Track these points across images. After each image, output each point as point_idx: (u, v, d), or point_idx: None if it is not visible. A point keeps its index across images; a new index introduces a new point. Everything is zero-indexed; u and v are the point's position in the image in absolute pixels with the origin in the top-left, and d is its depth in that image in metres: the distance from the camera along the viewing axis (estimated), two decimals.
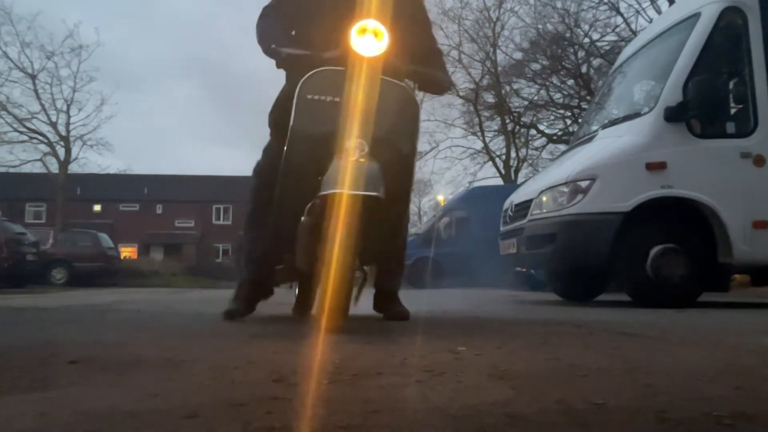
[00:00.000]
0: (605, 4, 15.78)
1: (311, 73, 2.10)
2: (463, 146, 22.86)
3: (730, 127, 4.29)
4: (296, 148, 2.10)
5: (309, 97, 2.06)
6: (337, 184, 1.88)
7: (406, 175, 2.21)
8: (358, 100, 1.99)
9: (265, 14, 2.54)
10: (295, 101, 2.08)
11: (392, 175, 2.03)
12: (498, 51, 20.56)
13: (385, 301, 2.81)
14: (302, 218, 2.05)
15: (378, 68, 2.04)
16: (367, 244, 2.05)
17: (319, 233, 1.93)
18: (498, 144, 22.21)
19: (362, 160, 1.94)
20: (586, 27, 16.67)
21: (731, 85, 4.44)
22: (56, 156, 24.29)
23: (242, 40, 71.14)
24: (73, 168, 25.09)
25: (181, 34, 73.23)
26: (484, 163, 22.52)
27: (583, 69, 17.10)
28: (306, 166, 2.10)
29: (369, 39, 1.98)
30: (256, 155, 2.76)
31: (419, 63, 2.44)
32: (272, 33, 2.42)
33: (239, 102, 72.11)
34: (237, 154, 71.46)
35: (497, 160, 21.94)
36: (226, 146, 64.35)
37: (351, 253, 1.88)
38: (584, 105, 16.28)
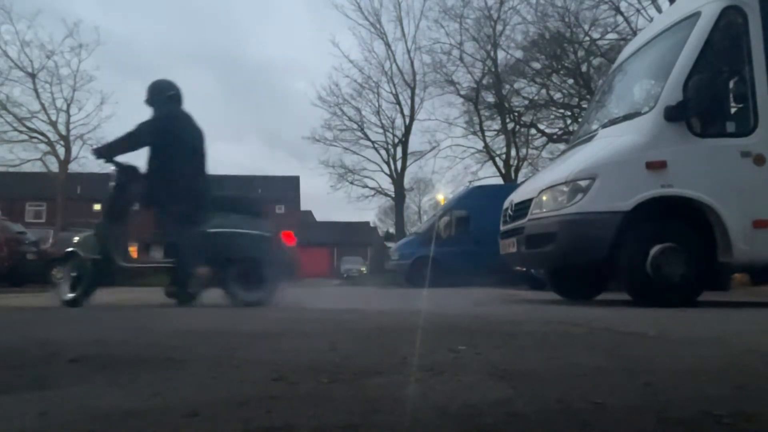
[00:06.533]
0: (606, 3, 15.74)
1: None
2: (463, 145, 22.91)
3: (730, 126, 4.28)
4: None
5: None
6: None
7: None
8: None
9: None
10: None
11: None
12: (499, 50, 20.57)
13: None
14: None
15: None
16: None
17: None
18: (498, 143, 22.24)
19: None
20: (587, 26, 16.65)
21: (731, 84, 4.43)
22: (56, 155, 24.24)
23: (251, 30, 71.14)
24: (73, 167, 25.01)
25: (186, 24, 72.73)
26: (485, 162, 22.56)
27: (584, 68, 17.07)
28: None
29: None
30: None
31: None
32: None
33: (243, 97, 71.70)
34: (239, 151, 71.19)
35: (497, 159, 21.96)
36: (227, 143, 64.10)
37: None
38: (584, 104, 16.25)
